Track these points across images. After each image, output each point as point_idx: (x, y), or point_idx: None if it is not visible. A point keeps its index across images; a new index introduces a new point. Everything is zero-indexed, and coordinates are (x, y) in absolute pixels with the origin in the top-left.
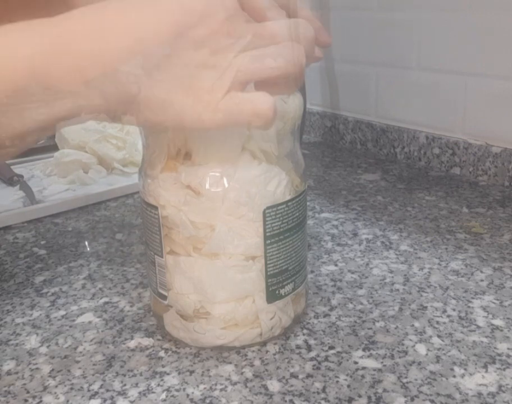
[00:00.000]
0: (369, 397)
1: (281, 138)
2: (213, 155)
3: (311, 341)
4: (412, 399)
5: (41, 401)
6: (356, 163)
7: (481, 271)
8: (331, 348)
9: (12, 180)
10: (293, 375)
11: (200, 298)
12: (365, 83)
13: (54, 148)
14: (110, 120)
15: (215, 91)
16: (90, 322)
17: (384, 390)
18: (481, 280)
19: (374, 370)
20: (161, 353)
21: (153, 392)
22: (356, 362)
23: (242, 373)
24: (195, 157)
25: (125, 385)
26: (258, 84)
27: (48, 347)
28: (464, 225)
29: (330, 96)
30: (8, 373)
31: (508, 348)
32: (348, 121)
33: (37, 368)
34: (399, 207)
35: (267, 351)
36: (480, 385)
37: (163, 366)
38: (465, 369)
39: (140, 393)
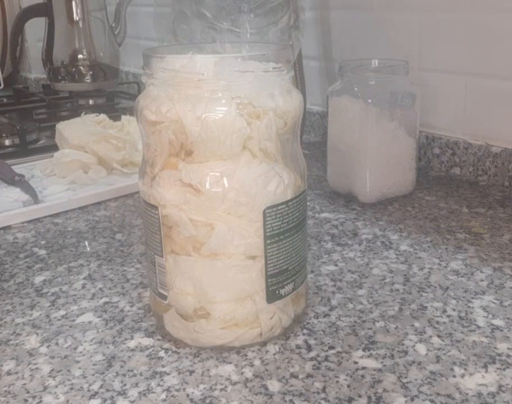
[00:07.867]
0: (369, 397)
1: (281, 138)
2: (213, 154)
3: (311, 341)
4: (412, 399)
5: (41, 401)
6: None
7: (481, 271)
8: (331, 348)
9: (13, 180)
10: (293, 375)
11: (200, 298)
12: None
13: (54, 148)
14: None
15: None
16: (90, 322)
17: (384, 390)
18: (481, 280)
19: (374, 370)
20: (161, 353)
21: (153, 392)
22: (356, 362)
23: (242, 373)
24: (195, 155)
25: (125, 385)
26: None
27: (48, 347)
28: (464, 225)
29: None
30: (8, 373)
31: (508, 348)
32: None
33: (37, 368)
34: (399, 207)
35: (267, 351)
36: (480, 385)
37: (163, 366)
38: (465, 369)
39: (140, 393)
